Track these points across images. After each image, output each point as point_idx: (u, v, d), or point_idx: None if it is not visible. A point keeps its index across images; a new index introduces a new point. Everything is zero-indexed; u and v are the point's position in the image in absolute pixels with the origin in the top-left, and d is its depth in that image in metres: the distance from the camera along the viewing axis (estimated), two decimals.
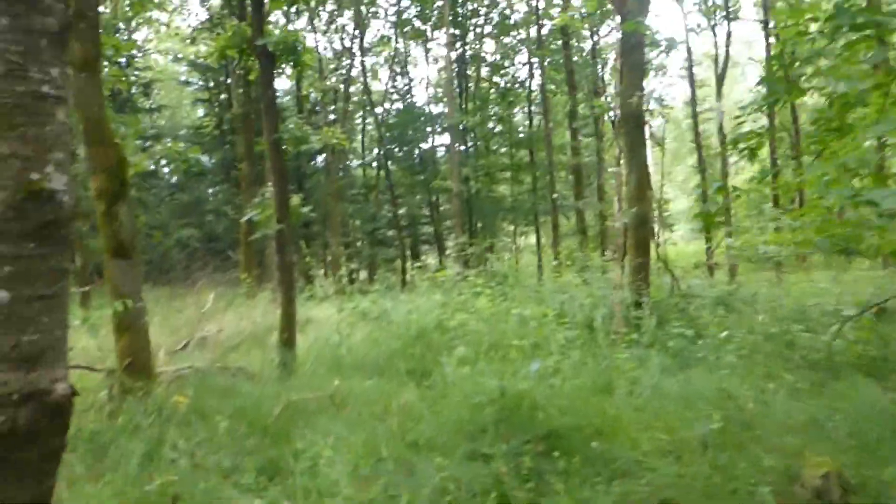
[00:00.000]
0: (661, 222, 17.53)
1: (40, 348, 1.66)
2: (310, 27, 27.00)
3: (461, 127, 24.84)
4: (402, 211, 28.39)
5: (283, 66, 6.79)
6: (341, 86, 27.46)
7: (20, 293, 1.59)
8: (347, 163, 31.96)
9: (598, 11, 14.43)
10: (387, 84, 29.68)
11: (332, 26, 28.01)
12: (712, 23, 17.51)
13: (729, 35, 19.05)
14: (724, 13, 18.29)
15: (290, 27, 17.44)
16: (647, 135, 9.37)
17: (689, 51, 24.44)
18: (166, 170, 33.75)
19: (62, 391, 1.74)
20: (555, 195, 19.18)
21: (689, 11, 20.80)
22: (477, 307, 9.78)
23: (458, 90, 25.64)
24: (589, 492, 3.57)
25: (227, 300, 13.34)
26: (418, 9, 25.71)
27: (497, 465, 3.78)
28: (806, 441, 4.26)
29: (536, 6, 20.14)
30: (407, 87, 30.68)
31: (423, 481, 3.69)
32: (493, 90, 27.35)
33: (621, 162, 8.68)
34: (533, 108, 27.87)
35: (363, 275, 30.38)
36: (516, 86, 27.81)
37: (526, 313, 8.98)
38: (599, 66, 24.18)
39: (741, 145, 4.93)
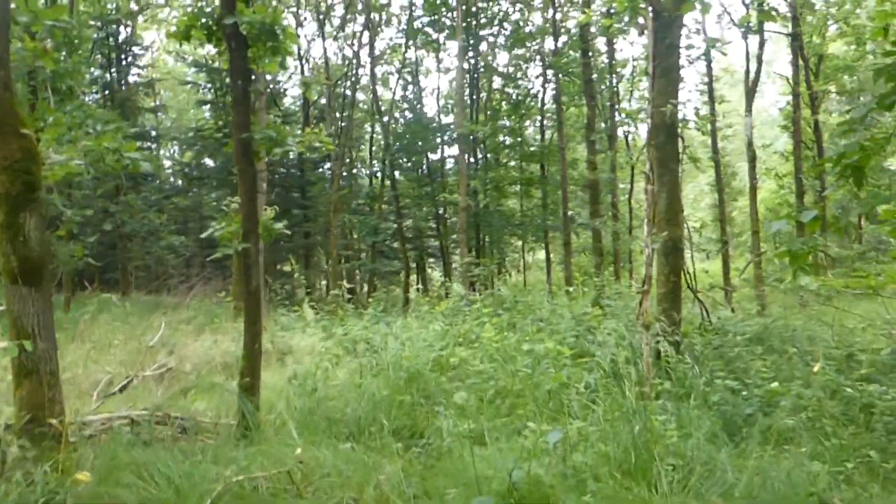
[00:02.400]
0: (694, 247, 16.40)
1: None
2: (319, 33, 26.11)
3: (471, 138, 23.76)
4: (408, 223, 27.31)
5: (260, 53, 5.62)
6: (348, 92, 26.38)
7: None
8: (354, 171, 30.97)
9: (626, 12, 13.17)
10: (393, 91, 28.47)
11: (343, 33, 27.06)
12: (750, 27, 16.25)
13: (762, 45, 17.83)
14: (757, 24, 17.12)
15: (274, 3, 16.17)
16: (680, 149, 8.18)
17: (709, 65, 23.30)
18: (169, 171, 33.07)
19: None
20: (570, 212, 17.96)
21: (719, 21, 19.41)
22: (482, 338, 8.58)
23: (469, 101, 24.53)
24: None
25: (208, 317, 12.20)
26: (431, 17, 24.62)
27: None
28: None
29: (553, 17, 19.06)
30: (417, 97, 29.61)
31: None
32: (504, 102, 26.26)
33: (651, 180, 7.48)
34: (546, 121, 26.81)
35: (366, 287, 29.31)
36: (529, 98, 26.75)
37: (538, 349, 7.79)
38: (615, 79, 23.02)
39: (844, 162, 3.66)
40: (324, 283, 27.73)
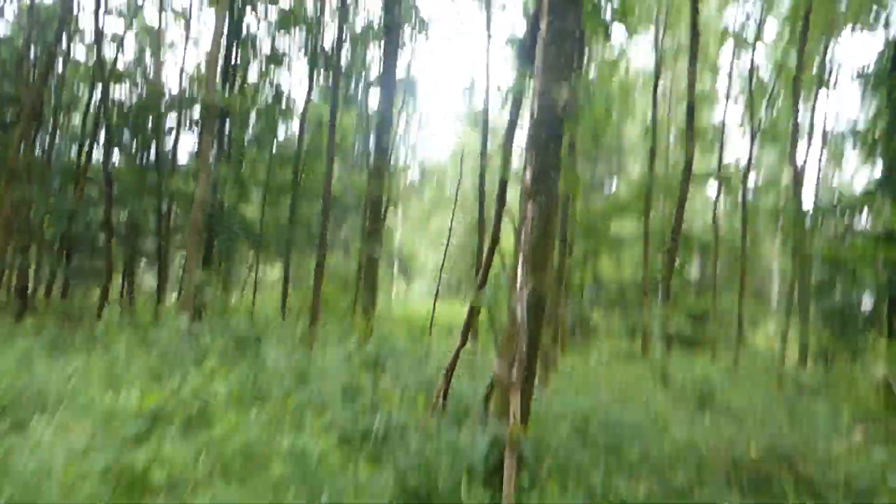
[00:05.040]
0: None
1: None
2: None
3: (217, 126, 19.79)
4: (122, 216, 22.20)
5: None
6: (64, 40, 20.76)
7: None
8: (59, 142, 24.81)
9: None
10: (117, 54, 23.00)
11: None
12: None
13: None
14: None
15: None
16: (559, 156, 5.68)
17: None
18: None
19: None
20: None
21: None
22: (213, 417, 5.26)
23: (222, 80, 20.47)
24: None
25: None
26: None
27: None
28: None
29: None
30: (155, 67, 24.54)
31: None
32: (264, 89, 22.58)
33: (529, 196, 4.91)
34: (306, 122, 23.67)
35: (52, 289, 23.21)
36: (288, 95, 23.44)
37: (305, 444, 4.74)
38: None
39: None
40: None
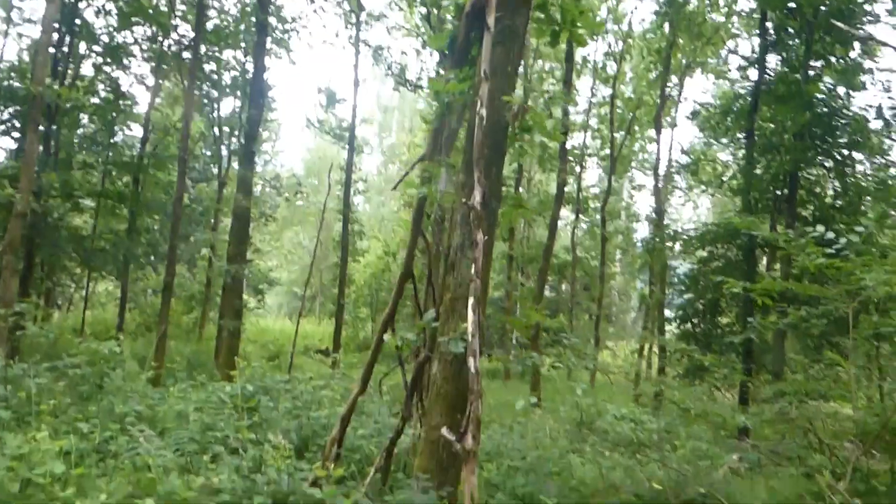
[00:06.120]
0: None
1: None
2: None
3: (45, 123, 17.21)
4: None
5: None
6: None
7: None
8: None
9: None
10: None
11: None
12: None
13: None
14: None
15: None
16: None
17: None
18: None
19: None
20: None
21: None
22: None
23: (54, 67, 17.85)
24: None
25: None
26: None
27: None
28: None
29: None
30: None
31: None
32: (102, 84, 20.06)
33: (478, 220, 4.00)
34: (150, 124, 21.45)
35: None
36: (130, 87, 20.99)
37: None
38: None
39: None
40: None
